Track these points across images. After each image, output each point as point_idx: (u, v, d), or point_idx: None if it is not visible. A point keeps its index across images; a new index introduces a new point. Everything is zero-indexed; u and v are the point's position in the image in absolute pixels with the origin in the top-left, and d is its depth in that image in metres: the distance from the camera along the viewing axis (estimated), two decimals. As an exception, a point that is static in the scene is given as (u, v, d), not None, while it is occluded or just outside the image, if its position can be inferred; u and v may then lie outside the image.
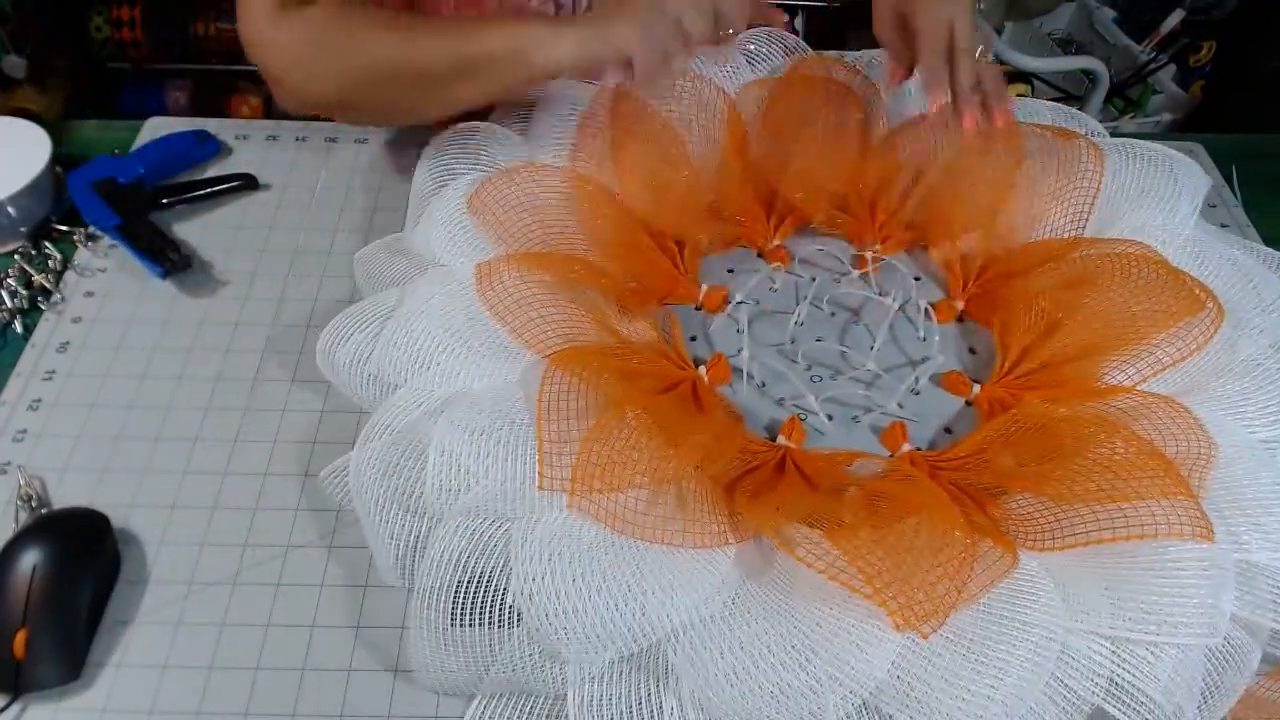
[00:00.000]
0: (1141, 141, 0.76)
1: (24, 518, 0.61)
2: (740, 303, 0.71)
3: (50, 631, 0.55)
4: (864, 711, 0.49)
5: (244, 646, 0.57)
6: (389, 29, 0.69)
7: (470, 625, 0.53)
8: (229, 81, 1.98)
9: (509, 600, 0.52)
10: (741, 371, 0.66)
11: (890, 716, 0.49)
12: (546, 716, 0.52)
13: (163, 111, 1.79)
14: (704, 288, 0.72)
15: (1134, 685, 0.50)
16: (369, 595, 0.59)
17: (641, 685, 0.51)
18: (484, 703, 0.52)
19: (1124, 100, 1.83)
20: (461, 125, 0.77)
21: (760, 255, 0.76)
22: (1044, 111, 0.80)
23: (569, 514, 0.54)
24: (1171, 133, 0.88)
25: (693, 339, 0.70)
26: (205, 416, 0.67)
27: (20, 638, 0.54)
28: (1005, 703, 0.48)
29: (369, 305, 0.65)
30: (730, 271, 0.75)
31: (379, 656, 0.56)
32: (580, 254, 0.70)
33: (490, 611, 0.52)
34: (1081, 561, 0.54)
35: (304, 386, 0.69)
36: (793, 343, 0.69)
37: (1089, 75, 1.63)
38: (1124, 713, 0.50)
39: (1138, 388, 0.63)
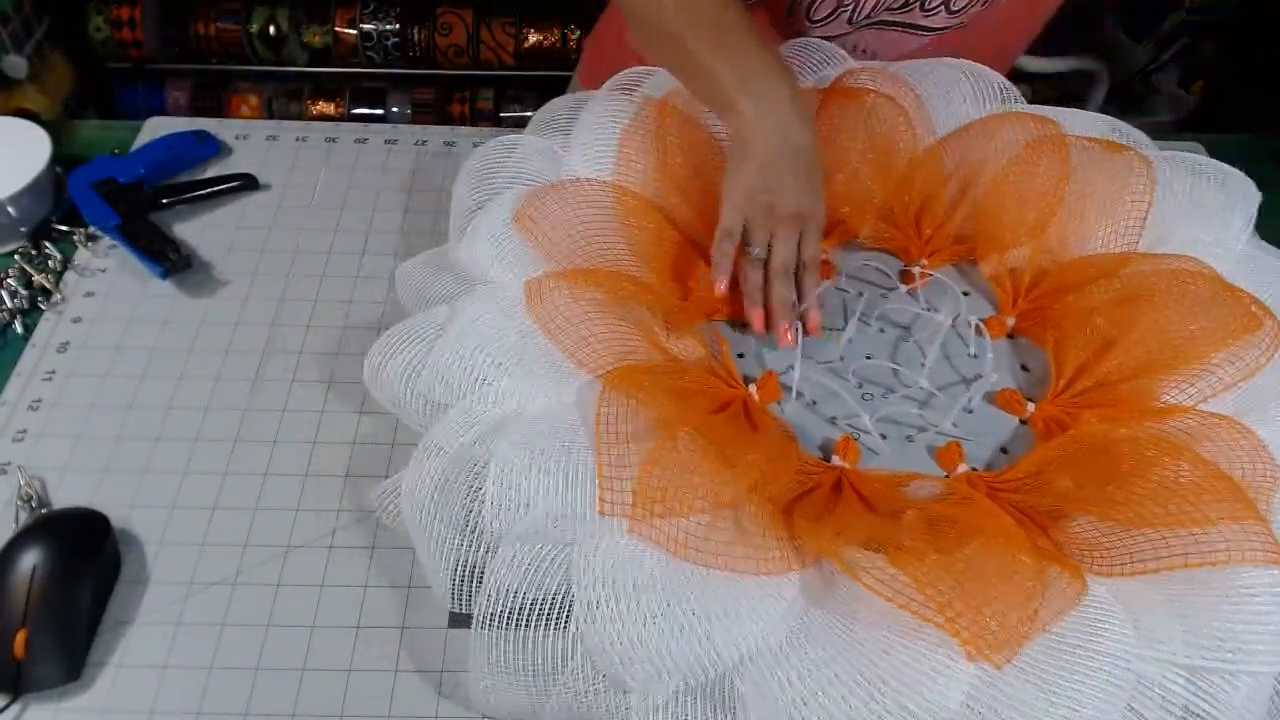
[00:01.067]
0: (1192, 155, 0.75)
1: (24, 518, 0.61)
2: (788, 319, 0.70)
3: (50, 631, 0.55)
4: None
5: (244, 646, 0.58)
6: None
7: (530, 653, 0.52)
8: (229, 81, 1.98)
9: (571, 628, 0.51)
10: (791, 389, 0.66)
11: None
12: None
13: (163, 111, 1.81)
14: (751, 303, 0.71)
15: (1210, 713, 0.49)
16: (369, 595, 0.60)
17: (708, 715, 0.50)
18: (546, 732, 0.51)
19: (1124, 100, 1.82)
20: (502, 138, 0.76)
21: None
22: (1093, 124, 0.79)
23: (629, 539, 0.53)
24: (1171, 133, 0.88)
25: (740, 356, 0.69)
26: (205, 416, 0.68)
27: (20, 638, 0.54)
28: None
29: (417, 323, 0.65)
30: (776, 287, 0.74)
31: (379, 656, 0.57)
32: (626, 269, 0.69)
33: (551, 639, 0.52)
34: (1150, 587, 0.53)
35: (304, 386, 0.70)
36: (842, 360, 0.69)
37: (1089, 75, 1.62)
38: (1201, 744, 0.49)
39: (1197, 408, 0.62)
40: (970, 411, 0.66)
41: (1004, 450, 0.64)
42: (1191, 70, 1.90)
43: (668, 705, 0.49)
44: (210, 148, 0.85)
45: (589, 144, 0.75)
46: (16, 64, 1.64)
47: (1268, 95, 1.75)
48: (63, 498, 0.63)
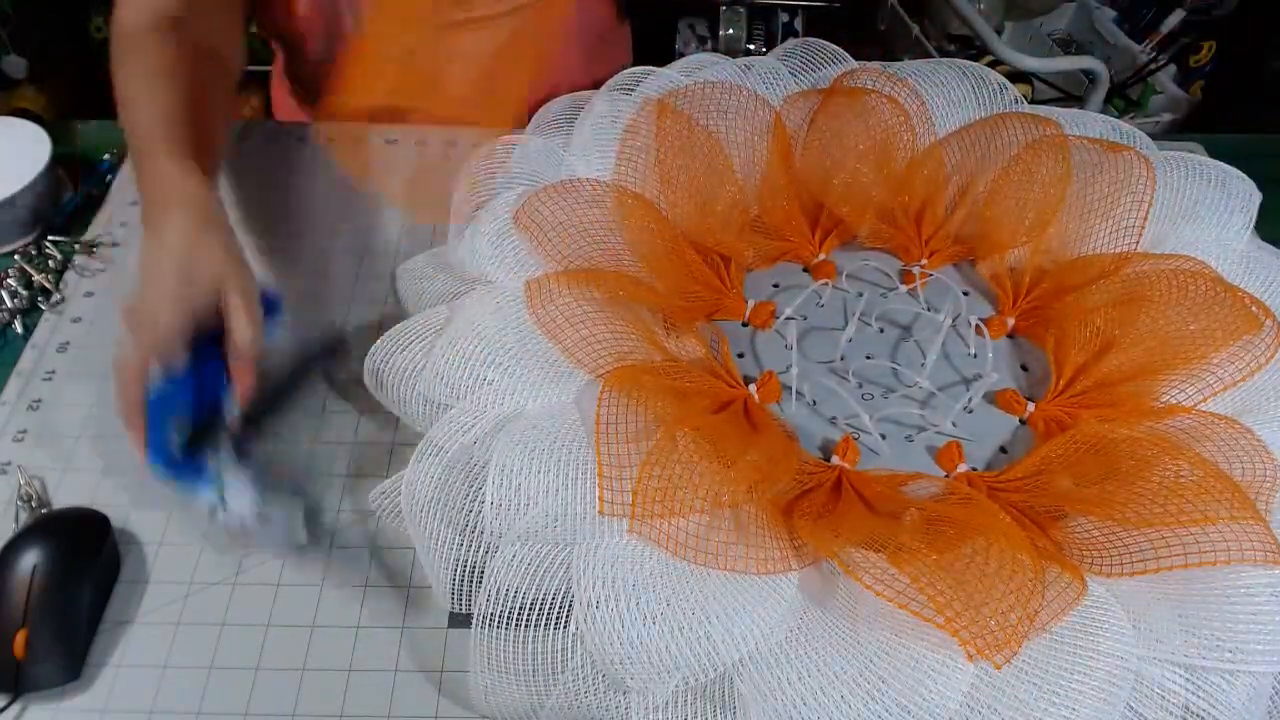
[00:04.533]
0: (1192, 155, 0.75)
1: (24, 518, 0.61)
2: (788, 318, 0.70)
3: (50, 631, 0.55)
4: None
5: (244, 646, 0.58)
6: (137, 85, 0.68)
7: (529, 653, 0.52)
8: None
9: (570, 628, 0.51)
10: (791, 389, 0.66)
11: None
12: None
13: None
14: (751, 303, 0.71)
15: (1209, 713, 0.49)
16: (369, 595, 0.60)
17: (708, 715, 0.50)
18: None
19: (1124, 100, 1.82)
20: (502, 138, 0.76)
21: (806, 270, 0.75)
22: (1092, 124, 0.79)
23: (629, 539, 0.53)
24: (1171, 133, 0.88)
25: (740, 356, 0.69)
26: None
27: (20, 638, 0.54)
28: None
29: (416, 323, 0.65)
30: (776, 286, 0.74)
31: (379, 656, 0.57)
32: (626, 269, 0.69)
33: (551, 639, 0.52)
34: (1149, 587, 0.53)
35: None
36: (842, 359, 0.69)
37: (1089, 75, 1.62)
38: (1200, 743, 0.49)
39: (1197, 408, 0.62)
40: (970, 411, 0.66)
41: (1003, 450, 0.64)
42: (1191, 70, 1.91)
43: (667, 705, 0.49)
44: (272, 311, 0.64)
45: (589, 144, 0.75)
46: (16, 64, 1.65)
47: (1267, 95, 1.76)
48: (63, 498, 0.63)
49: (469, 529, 0.55)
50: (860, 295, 0.72)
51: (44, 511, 0.62)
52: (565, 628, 0.51)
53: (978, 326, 0.69)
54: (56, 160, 0.81)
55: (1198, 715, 0.50)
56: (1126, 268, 0.70)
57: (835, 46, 0.84)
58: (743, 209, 0.75)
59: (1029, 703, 0.48)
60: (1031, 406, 0.66)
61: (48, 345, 0.72)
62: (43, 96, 1.73)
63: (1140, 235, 0.72)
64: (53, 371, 0.70)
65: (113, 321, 0.72)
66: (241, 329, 0.60)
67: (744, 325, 0.71)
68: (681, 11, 1.94)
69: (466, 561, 0.55)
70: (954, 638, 0.48)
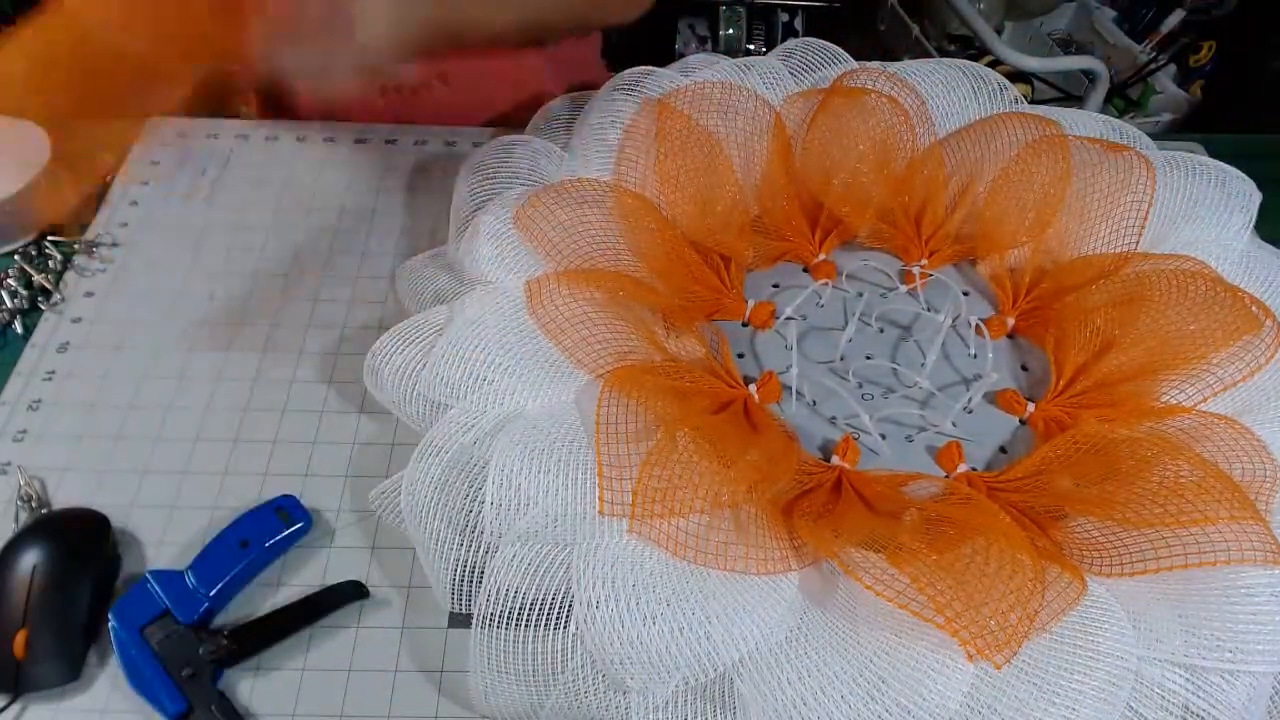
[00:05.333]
0: (1192, 155, 0.75)
1: (24, 518, 0.61)
2: (789, 318, 0.70)
3: (50, 631, 0.55)
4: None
5: None
6: None
7: (529, 653, 0.52)
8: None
9: (570, 628, 0.51)
10: (791, 389, 0.66)
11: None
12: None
13: (163, 111, 1.80)
14: (750, 303, 0.71)
15: (1209, 713, 0.49)
16: (369, 595, 0.59)
17: (708, 715, 0.50)
18: (545, 735, 0.51)
19: (1124, 100, 1.82)
20: (502, 138, 0.76)
21: (806, 270, 0.75)
22: (1092, 124, 0.79)
23: (629, 539, 0.53)
24: (1171, 133, 0.88)
25: (740, 356, 0.69)
26: (205, 416, 0.68)
27: (20, 638, 0.54)
28: (1081, 734, 0.47)
29: (416, 323, 0.65)
30: (776, 287, 0.74)
31: (379, 657, 0.57)
32: (626, 269, 0.69)
33: (550, 640, 0.52)
34: (1150, 587, 0.53)
35: (304, 387, 0.70)
36: (842, 360, 0.69)
37: (1089, 75, 1.63)
38: (1201, 743, 0.49)
39: (1197, 408, 0.63)
40: (970, 412, 0.66)
41: (1003, 450, 0.65)
42: (1191, 70, 1.91)
43: (668, 705, 0.49)
44: (299, 521, 0.61)
45: (589, 144, 0.75)
46: None
47: (1267, 95, 1.76)
48: (63, 498, 0.63)
49: (469, 529, 0.55)
50: (860, 295, 0.72)
51: (44, 511, 0.62)
52: (565, 628, 0.51)
53: (978, 327, 0.69)
54: (56, 160, 0.80)
55: (1198, 715, 0.50)
56: (1126, 268, 0.70)
57: (835, 46, 0.84)
58: (743, 209, 0.75)
59: (1029, 703, 0.48)
60: (1031, 407, 0.66)
61: (48, 345, 0.72)
62: None
63: (1140, 235, 0.72)
64: (53, 371, 0.70)
65: (112, 322, 0.73)
66: None
67: (744, 325, 0.71)
68: (681, 11, 1.94)
69: (466, 562, 0.55)
70: (954, 638, 0.48)
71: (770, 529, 0.55)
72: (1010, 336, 0.72)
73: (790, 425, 0.64)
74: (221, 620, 0.58)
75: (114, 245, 0.79)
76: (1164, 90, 1.80)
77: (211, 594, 0.57)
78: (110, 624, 0.56)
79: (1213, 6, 1.88)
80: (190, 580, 0.58)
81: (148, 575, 0.57)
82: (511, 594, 0.52)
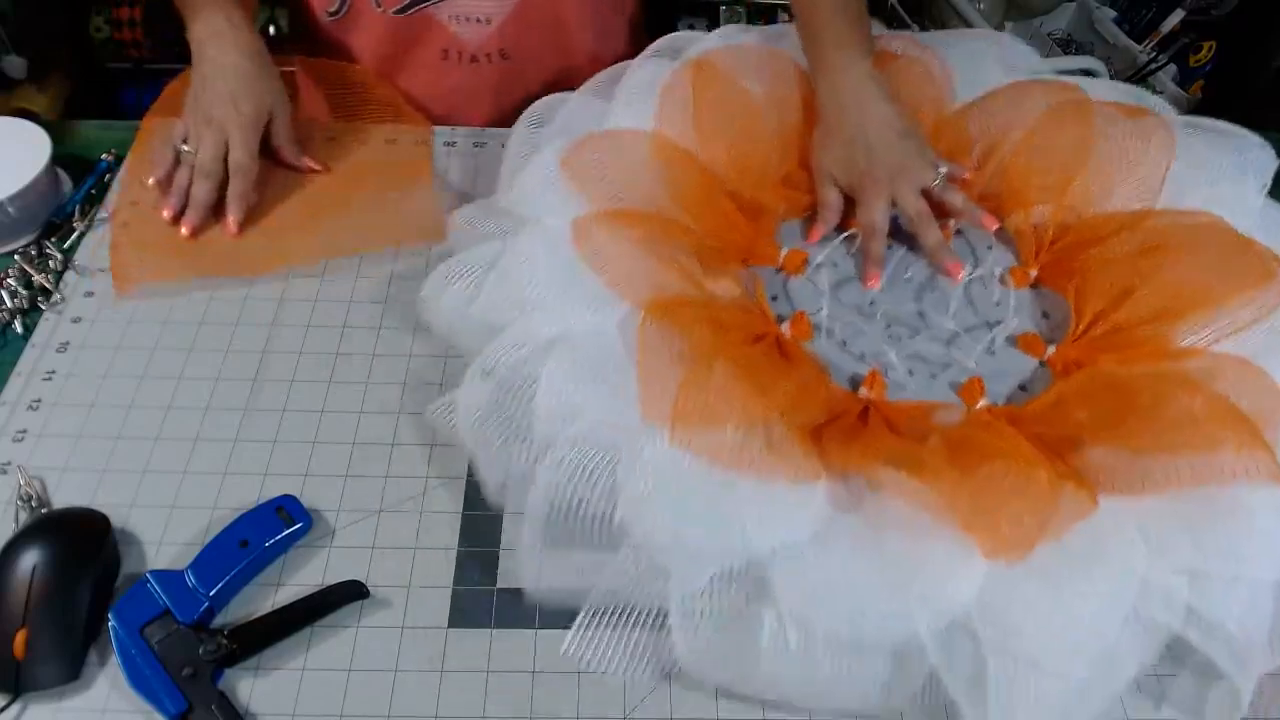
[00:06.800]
0: (1211, 120, 0.78)
1: (24, 518, 0.61)
2: (820, 265, 0.74)
3: (50, 631, 0.55)
4: (952, 630, 0.52)
5: None
6: None
7: (576, 545, 0.56)
8: None
9: (615, 521, 0.55)
10: (821, 328, 0.69)
11: (975, 635, 0.51)
12: (648, 628, 0.55)
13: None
14: (785, 250, 0.75)
15: (1210, 615, 0.53)
16: (369, 595, 0.59)
17: (741, 600, 0.53)
18: (590, 616, 0.55)
19: (1124, 100, 1.84)
20: (552, 95, 0.80)
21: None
22: (1115, 91, 0.82)
23: (669, 447, 0.57)
24: None
25: (773, 298, 0.73)
26: (205, 416, 0.67)
27: (20, 638, 0.54)
28: (1086, 627, 0.51)
29: (471, 256, 0.69)
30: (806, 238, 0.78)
31: (379, 657, 0.57)
32: (666, 212, 0.73)
33: (595, 533, 0.55)
34: (1160, 506, 0.56)
35: (304, 387, 0.69)
36: (871, 304, 0.72)
37: (1089, 75, 1.65)
38: (1201, 639, 0.52)
39: (1209, 349, 0.65)
40: (993, 354, 0.70)
41: (1023, 388, 0.68)
42: (1191, 70, 1.93)
43: (704, 591, 0.53)
44: (299, 521, 0.61)
45: (631, 101, 0.80)
46: (16, 64, 1.64)
47: (1267, 95, 1.77)
48: (63, 498, 0.62)
49: (517, 440, 0.59)
50: (890, 246, 0.76)
51: (44, 511, 0.61)
52: (610, 525, 0.55)
53: (1001, 276, 0.73)
54: (56, 160, 0.81)
55: (1200, 616, 0.53)
56: (1145, 222, 0.73)
57: (957, 6, 0.87)
58: (776, 163, 0.78)
59: (1036, 599, 0.52)
60: (1052, 349, 0.69)
61: (48, 345, 0.71)
62: (43, 96, 1.70)
63: (1159, 193, 0.75)
64: (53, 371, 0.69)
65: (112, 322, 0.73)
66: (283, 136, 0.81)
67: (777, 271, 0.75)
68: (681, 11, 1.96)
69: (517, 469, 0.59)
70: (971, 536, 0.52)
71: (800, 446, 0.59)
72: (1033, 287, 0.75)
73: (821, 360, 0.68)
74: (221, 620, 0.58)
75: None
76: (1164, 90, 1.81)
77: (211, 594, 0.57)
78: (110, 624, 0.55)
79: (1213, 6, 1.90)
80: (190, 580, 0.57)
81: (148, 575, 0.57)
82: (560, 492, 0.56)
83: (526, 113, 0.80)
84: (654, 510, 0.53)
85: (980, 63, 0.85)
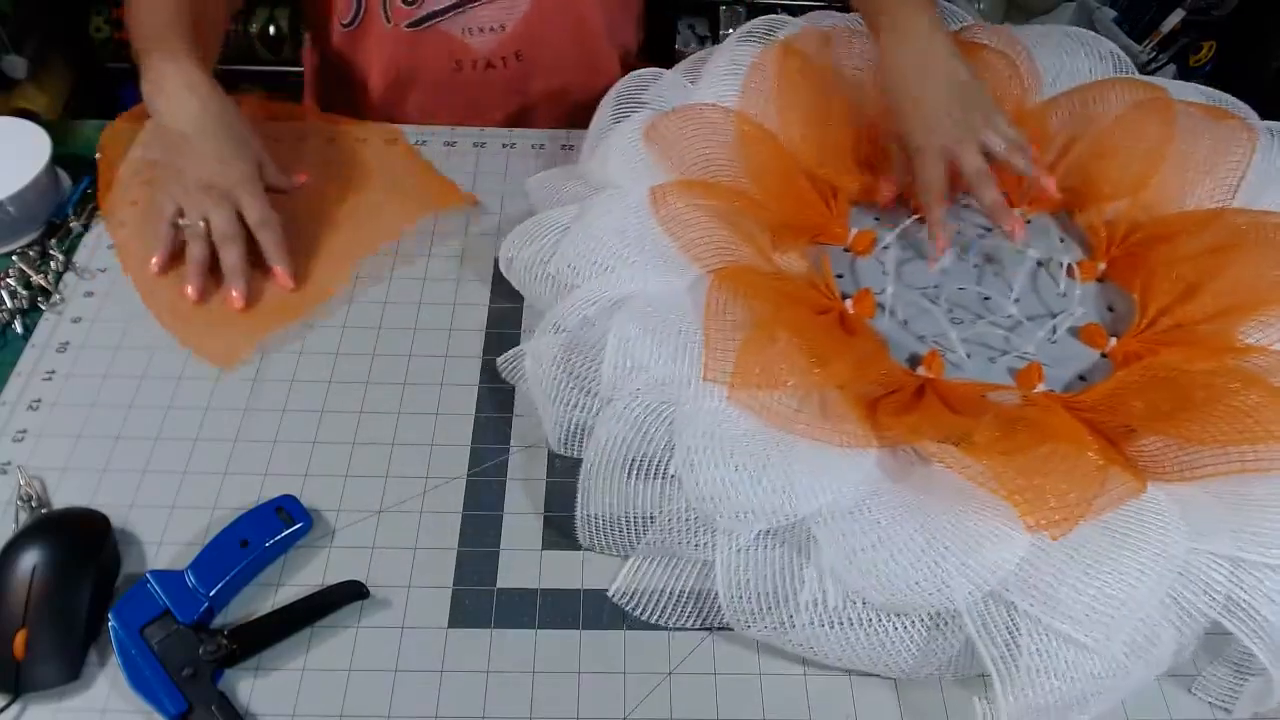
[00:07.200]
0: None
1: (24, 518, 0.61)
2: (887, 246, 0.75)
3: (50, 631, 0.54)
4: (989, 600, 0.53)
5: None
6: None
7: (630, 495, 0.59)
8: (230, 81, 1.95)
9: (669, 473, 0.57)
10: (885, 307, 0.71)
11: (1012, 605, 0.53)
12: (694, 578, 0.58)
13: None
14: (854, 231, 0.76)
15: (1249, 604, 0.53)
16: (369, 595, 0.59)
17: (785, 556, 0.56)
18: (639, 563, 0.58)
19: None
20: (641, 71, 0.83)
21: (908, 208, 0.80)
22: (1196, 95, 0.82)
23: (727, 405, 0.59)
24: None
25: (839, 276, 0.74)
26: (205, 416, 0.67)
27: (20, 638, 0.54)
28: (1122, 603, 0.52)
29: (549, 217, 0.72)
30: (877, 220, 0.79)
31: (379, 657, 0.57)
32: (741, 187, 0.75)
33: (650, 482, 0.58)
34: (1206, 492, 0.57)
35: (304, 387, 0.69)
36: (935, 287, 0.74)
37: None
38: (1239, 628, 0.53)
39: (1274, 347, 0.66)
40: (1054, 342, 0.70)
41: (1082, 378, 0.69)
42: (1191, 70, 1.90)
43: (749, 547, 0.56)
44: (299, 521, 0.61)
45: (716, 80, 0.82)
46: (16, 64, 1.64)
47: (1268, 95, 1.72)
48: (63, 498, 0.62)
49: (582, 392, 0.62)
50: (959, 232, 0.77)
51: (44, 511, 0.61)
52: (664, 477, 0.58)
53: (1069, 267, 0.73)
54: (56, 160, 0.80)
55: (1239, 604, 0.53)
56: (1219, 220, 0.73)
57: (956, 8, 0.88)
58: (854, 146, 0.80)
59: (1073, 574, 0.53)
60: (1114, 341, 0.70)
61: (48, 345, 0.71)
62: (43, 96, 1.70)
63: (1235, 194, 0.75)
64: (53, 371, 0.69)
65: (113, 322, 0.73)
66: (272, 173, 0.76)
67: (845, 250, 0.76)
68: (681, 11, 1.96)
69: (580, 420, 0.62)
70: (1015, 508, 0.53)
71: (854, 413, 0.61)
72: (1101, 281, 0.76)
73: (882, 337, 0.69)
74: (221, 620, 0.58)
75: (111, 246, 0.78)
76: (1164, 90, 1.78)
77: (211, 594, 0.56)
78: (110, 624, 0.55)
79: (1213, 6, 1.86)
80: (190, 580, 0.57)
81: (148, 575, 0.57)
82: (619, 443, 0.58)
83: (614, 89, 0.83)
84: (707, 464, 0.55)
85: (1064, 57, 0.85)
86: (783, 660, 0.57)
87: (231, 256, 0.72)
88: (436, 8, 0.91)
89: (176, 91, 0.73)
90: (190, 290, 0.72)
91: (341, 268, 0.77)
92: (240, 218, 0.72)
